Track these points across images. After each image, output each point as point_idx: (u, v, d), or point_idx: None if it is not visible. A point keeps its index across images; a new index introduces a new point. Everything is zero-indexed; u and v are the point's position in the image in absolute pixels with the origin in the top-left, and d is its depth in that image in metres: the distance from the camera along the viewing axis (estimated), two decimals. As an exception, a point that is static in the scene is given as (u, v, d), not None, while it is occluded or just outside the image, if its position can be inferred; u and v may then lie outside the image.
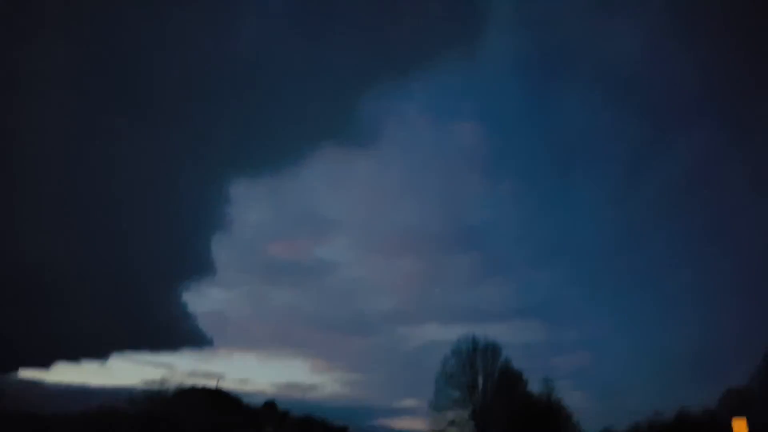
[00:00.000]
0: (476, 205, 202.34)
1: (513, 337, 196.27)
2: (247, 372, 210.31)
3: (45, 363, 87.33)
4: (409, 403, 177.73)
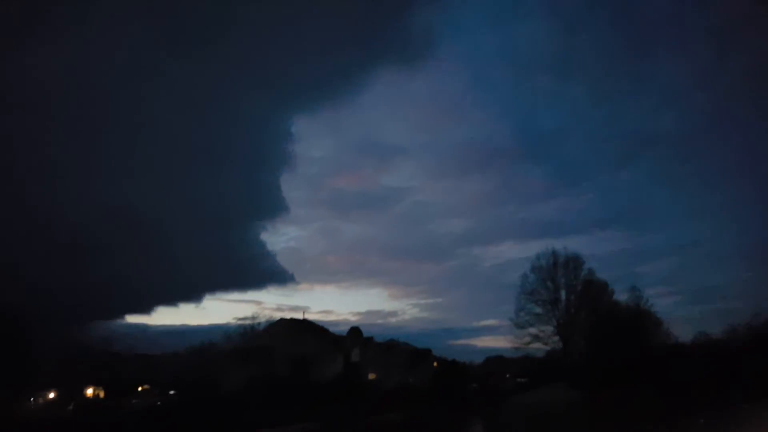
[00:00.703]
0: (548, 110, 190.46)
1: (595, 248, 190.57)
2: (329, 303, 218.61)
3: (147, 308, 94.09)
4: (489, 322, 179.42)
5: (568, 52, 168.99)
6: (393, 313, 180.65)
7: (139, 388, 78.21)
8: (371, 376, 66.94)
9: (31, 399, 55.98)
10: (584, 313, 59.20)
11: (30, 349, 48.48)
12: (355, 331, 67.91)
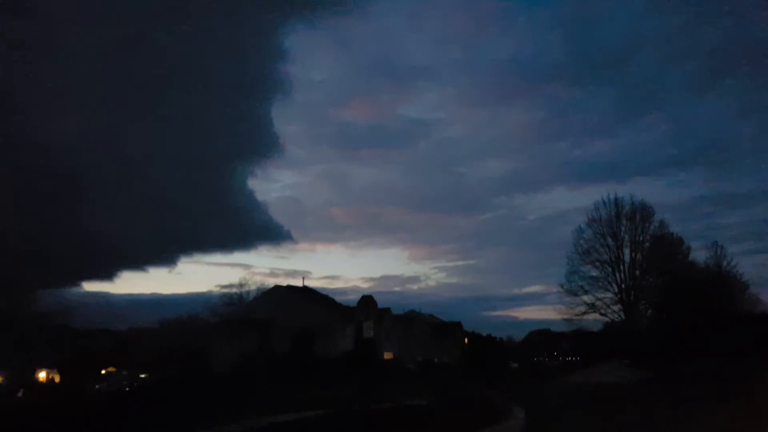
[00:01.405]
0: (611, 20, 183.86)
1: (668, 195, 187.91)
2: (335, 267, 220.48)
3: (109, 274, 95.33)
4: (534, 289, 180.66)
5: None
6: (414, 279, 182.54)
7: (103, 371, 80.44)
8: (387, 355, 68.21)
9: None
10: (653, 276, 59.28)
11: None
12: (367, 300, 68.71)
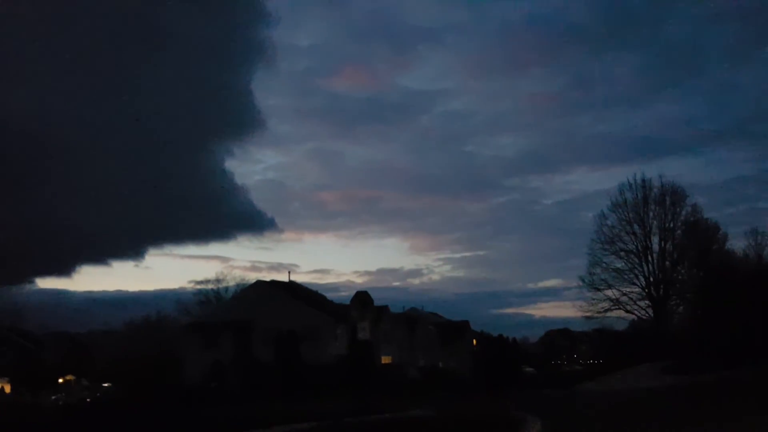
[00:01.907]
0: None
1: (703, 176, 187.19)
2: (325, 259, 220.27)
3: (67, 268, 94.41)
4: (551, 283, 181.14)
5: None
6: (415, 273, 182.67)
7: (61, 380, 80.00)
8: (386, 359, 67.91)
9: None
10: (686, 267, 59.10)
11: None
12: (362, 297, 68.25)
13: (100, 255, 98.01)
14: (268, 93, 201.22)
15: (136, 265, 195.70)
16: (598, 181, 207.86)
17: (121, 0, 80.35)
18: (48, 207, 76.54)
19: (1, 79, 72.14)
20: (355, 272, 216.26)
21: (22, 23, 73.56)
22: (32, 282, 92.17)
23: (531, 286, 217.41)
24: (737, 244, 59.99)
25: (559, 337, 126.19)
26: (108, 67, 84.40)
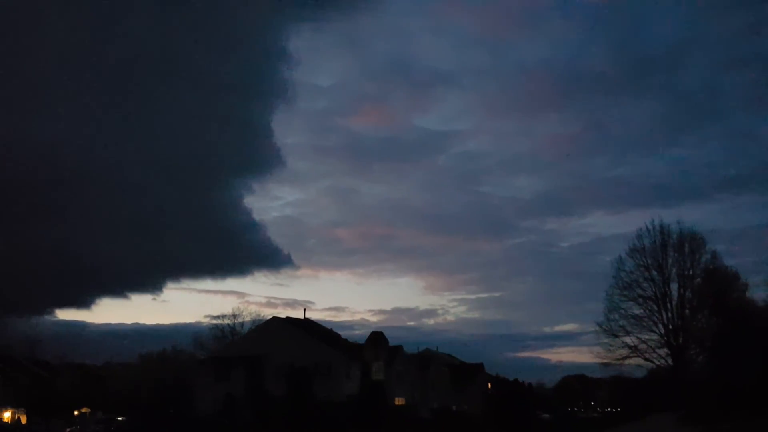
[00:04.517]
0: (658, 24, 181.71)
1: (722, 222, 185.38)
2: (340, 297, 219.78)
3: (86, 300, 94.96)
4: (568, 327, 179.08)
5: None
6: (430, 312, 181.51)
7: (76, 412, 79.75)
8: (399, 400, 67.07)
9: None
10: (705, 315, 58.13)
11: None
12: (377, 337, 67.71)
13: (120, 287, 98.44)
14: (287, 131, 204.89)
15: (154, 299, 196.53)
16: (615, 225, 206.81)
17: (148, 39, 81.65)
18: (69, 240, 77.08)
19: (28, 114, 73.23)
20: (370, 311, 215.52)
21: (51, 57, 74.97)
22: (52, 313, 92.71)
23: (547, 329, 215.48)
24: (758, 293, 58.81)
25: (576, 382, 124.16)
26: (133, 104, 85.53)
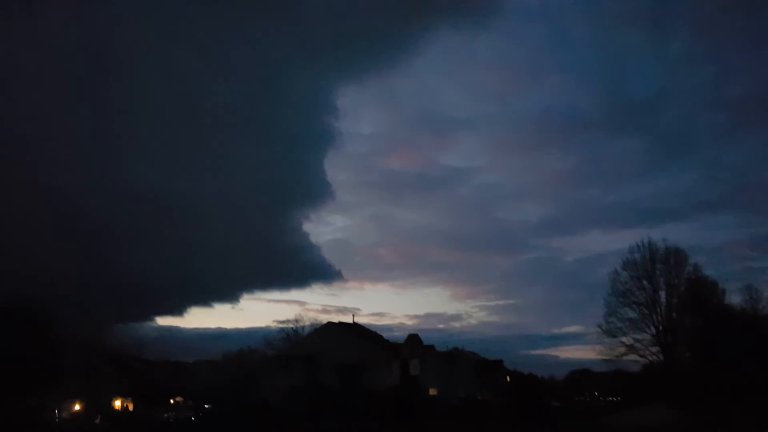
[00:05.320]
0: (640, 73, 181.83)
1: (702, 239, 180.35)
2: (382, 304, 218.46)
3: (179, 309, 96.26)
4: (573, 329, 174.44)
5: (664, 2, 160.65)
6: (456, 317, 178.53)
7: (172, 400, 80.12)
8: (432, 391, 65.95)
9: (56, 411, 57.97)
10: (689, 318, 56.39)
11: (55, 347, 49.99)
12: (414, 338, 66.94)
13: (206, 299, 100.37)
14: (336, 170, 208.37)
15: (233, 307, 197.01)
16: (610, 243, 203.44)
17: (223, 94, 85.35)
18: (166, 261, 78.69)
19: (134, 161, 75.59)
20: (407, 315, 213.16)
21: (156, 117, 77.60)
22: (152, 320, 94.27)
23: (555, 330, 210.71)
24: (734, 298, 56.99)
25: (582, 376, 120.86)
26: (218, 153, 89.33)
